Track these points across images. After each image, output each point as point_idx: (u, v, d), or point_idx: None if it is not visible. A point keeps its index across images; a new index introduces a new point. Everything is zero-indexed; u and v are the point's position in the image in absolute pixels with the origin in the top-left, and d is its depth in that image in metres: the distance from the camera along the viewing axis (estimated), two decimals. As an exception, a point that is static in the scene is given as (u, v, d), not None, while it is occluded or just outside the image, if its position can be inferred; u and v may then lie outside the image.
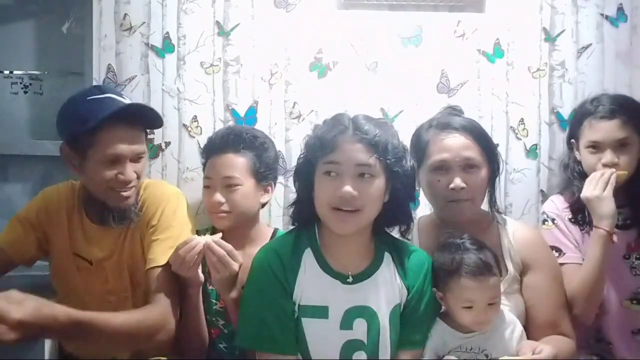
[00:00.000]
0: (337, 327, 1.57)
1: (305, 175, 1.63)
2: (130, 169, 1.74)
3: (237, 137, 1.93)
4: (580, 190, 1.97)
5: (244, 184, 1.90)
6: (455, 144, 1.74)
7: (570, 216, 2.01)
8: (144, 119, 1.79)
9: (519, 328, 1.64)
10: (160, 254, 1.75)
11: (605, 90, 2.26)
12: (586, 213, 1.95)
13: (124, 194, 1.76)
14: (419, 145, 1.79)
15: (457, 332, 1.61)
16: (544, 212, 2.06)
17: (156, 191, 1.87)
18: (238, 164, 1.90)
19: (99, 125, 1.68)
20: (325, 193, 1.56)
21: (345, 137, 1.57)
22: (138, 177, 1.78)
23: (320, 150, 1.58)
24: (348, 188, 1.53)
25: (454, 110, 1.87)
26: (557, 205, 2.05)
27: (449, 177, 1.74)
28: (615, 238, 1.86)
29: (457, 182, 1.72)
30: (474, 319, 1.57)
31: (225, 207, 1.88)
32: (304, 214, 1.66)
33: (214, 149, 1.94)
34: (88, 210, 1.84)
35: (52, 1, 2.33)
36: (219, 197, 1.89)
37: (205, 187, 1.94)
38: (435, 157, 1.75)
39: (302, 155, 1.66)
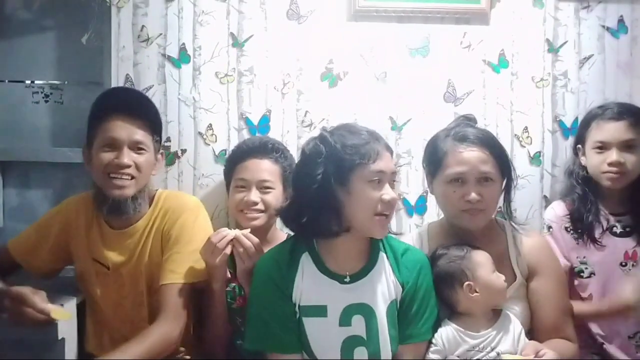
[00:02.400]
0: (336, 324, 1.63)
1: (331, 185, 1.59)
2: (126, 155, 1.80)
3: (273, 147, 2.06)
4: (581, 196, 2.03)
5: (276, 188, 2.02)
6: (473, 157, 1.75)
7: (567, 224, 2.04)
8: (143, 109, 1.88)
9: (519, 326, 1.69)
10: (180, 269, 1.81)
11: (607, 99, 2.30)
12: (584, 222, 2.00)
13: (119, 182, 1.80)
14: (436, 155, 1.79)
15: (469, 332, 1.66)
16: (544, 219, 2.11)
17: (176, 202, 1.92)
18: (274, 169, 2.03)
19: (102, 114, 1.82)
20: (372, 200, 1.58)
21: (382, 146, 1.62)
22: (138, 170, 1.83)
23: (359, 158, 1.58)
24: (394, 194, 1.61)
25: (469, 121, 1.86)
26: (556, 212, 2.09)
27: (464, 189, 1.75)
28: (612, 253, 1.96)
29: (473, 195, 1.73)
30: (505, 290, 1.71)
31: (260, 207, 1.99)
32: (325, 225, 1.62)
33: (249, 153, 2.04)
34: (104, 213, 1.88)
35: (72, 14, 2.36)
36: (255, 196, 1.99)
37: (239, 187, 2.02)
38: (453, 170, 1.75)
39: (319, 172, 1.60)
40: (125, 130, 1.82)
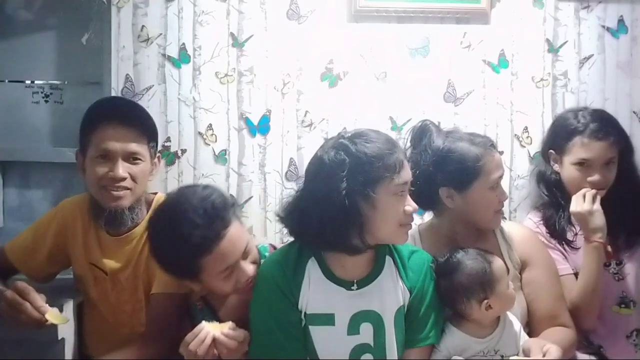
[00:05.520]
0: (344, 333, 1.59)
1: (356, 200, 1.52)
2: (121, 167, 1.77)
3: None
4: (552, 201, 2.05)
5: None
6: (501, 161, 1.84)
7: (547, 230, 2.05)
8: (136, 118, 1.84)
9: (518, 323, 1.69)
10: (168, 280, 1.75)
11: (607, 99, 2.34)
12: (557, 227, 2.02)
13: (115, 193, 1.78)
14: (474, 165, 1.78)
15: (475, 338, 1.64)
16: None
17: None
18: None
19: (95, 123, 1.79)
20: (397, 213, 1.55)
21: (402, 154, 1.57)
22: (134, 180, 1.80)
23: (385, 171, 1.52)
24: (415, 204, 1.59)
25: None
26: (534, 222, 2.09)
27: (499, 191, 1.81)
28: (609, 248, 1.91)
29: (506, 194, 1.85)
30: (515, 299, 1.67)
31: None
32: (347, 241, 1.56)
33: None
34: (101, 224, 1.87)
35: (72, 14, 2.36)
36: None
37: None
38: (494, 175, 1.78)
39: (343, 186, 1.50)
40: (119, 141, 1.78)
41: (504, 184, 1.88)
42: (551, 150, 2.10)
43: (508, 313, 1.69)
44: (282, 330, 1.59)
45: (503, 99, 2.36)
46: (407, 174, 1.57)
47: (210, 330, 1.53)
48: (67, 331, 1.83)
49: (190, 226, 1.54)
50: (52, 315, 1.63)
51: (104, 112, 1.83)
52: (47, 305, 1.63)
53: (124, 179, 1.78)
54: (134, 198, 1.82)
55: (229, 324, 1.57)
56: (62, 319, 1.69)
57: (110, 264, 1.86)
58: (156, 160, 1.92)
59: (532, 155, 2.37)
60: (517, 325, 1.68)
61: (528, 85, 2.37)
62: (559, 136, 2.08)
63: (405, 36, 2.33)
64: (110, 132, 1.78)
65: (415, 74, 2.33)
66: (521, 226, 1.99)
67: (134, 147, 1.80)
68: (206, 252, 1.55)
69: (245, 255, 1.63)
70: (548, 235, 2.05)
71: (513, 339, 1.65)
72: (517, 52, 2.36)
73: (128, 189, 1.79)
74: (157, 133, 1.95)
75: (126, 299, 1.87)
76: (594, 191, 1.92)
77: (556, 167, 2.09)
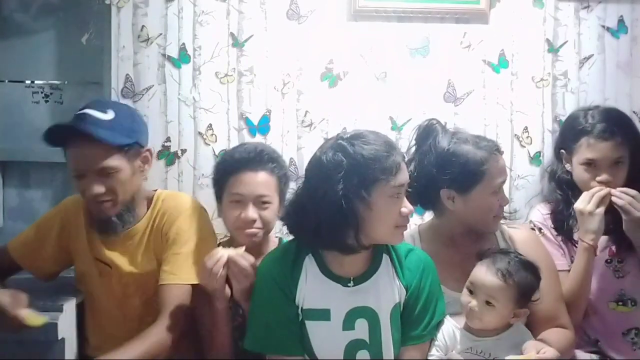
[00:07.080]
0: (339, 329, 1.62)
1: (352, 201, 1.54)
2: (95, 184, 1.75)
3: (269, 157, 1.91)
4: (564, 199, 2.04)
5: (273, 202, 1.88)
6: (505, 166, 1.86)
7: (552, 224, 2.06)
8: (99, 134, 1.75)
9: (530, 339, 1.67)
10: (178, 270, 1.79)
11: (607, 99, 2.33)
12: (565, 225, 2.02)
13: (99, 207, 1.79)
14: (478, 168, 1.79)
15: (468, 333, 1.65)
16: (531, 222, 2.10)
17: (174, 203, 1.90)
18: (270, 182, 1.88)
19: (63, 145, 1.79)
20: (393, 214, 1.57)
21: (400, 157, 1.59)
22: (113, 192, 1.78)
23: (381, 174, 1.54)
24: (411, 206, 1.60)
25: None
26: (542, 213, 2.10)
27: (500, 196, 1.82)
28: (598, 252, 1.93)
29: (507, 199, 1.87)
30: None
31: (258, 224, 1.86)
32: (342, 241, 1.58)
33: (244, 164, 1.87)
34: (95, 231, 1.88)
35: (72, 13, 2.38)
36: (253, 212, 1.85)
37: (234, 202, 1.87)
38: (497, 180, 1.79)
39: (340, 187, 1.52)
40: (86, 161, 1.75)
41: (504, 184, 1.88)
42: (562, 150, 2.11)
43: (523, 328, 1.69)
44: (278, 324, 1.62)
45: (503, 99, 2.36)
46: (404, 177, 1.58)
47: (225, 251, 1.70)
48: (67, 331, 1.83)
49: (236, 149, 1.99)
50: (29, 318, 1.61)
51: (67, 134, 1.78)
52: (24, 309, 1.61)
53: (99, 194, 1.77)
54: (120, 206, 1.82)
55: (242, 248, 1.73)
56: (41, 320, 1.66)
57: (114, 258, 1.87)
58: (147, 154, 1.88)
59: (532, 155, 2.37)
60: (528, 341, 1.66)
61: (528, 85, 2.36)
62: (568, 137, 2.08)
63: (405, 36, 2.33)
64: (76, 153, 1.77)
65: (415, 74, 2.33)
66: (522, 227, 1.99)
67: (102, 163, 1.75)
68: (230, 173, 1.87)
69: (258, 202, 1.85)
70: (554, 229, 2.05)
71: (515, 351, 1.62)
72: (517, 52, 2.35)
73: (109, 200, 1.79)
74: (136, 134, 1.84)
75: (132, 292, 1.88)
76: (606, 190, 1.91)
77: (568, 166, 2.09)
